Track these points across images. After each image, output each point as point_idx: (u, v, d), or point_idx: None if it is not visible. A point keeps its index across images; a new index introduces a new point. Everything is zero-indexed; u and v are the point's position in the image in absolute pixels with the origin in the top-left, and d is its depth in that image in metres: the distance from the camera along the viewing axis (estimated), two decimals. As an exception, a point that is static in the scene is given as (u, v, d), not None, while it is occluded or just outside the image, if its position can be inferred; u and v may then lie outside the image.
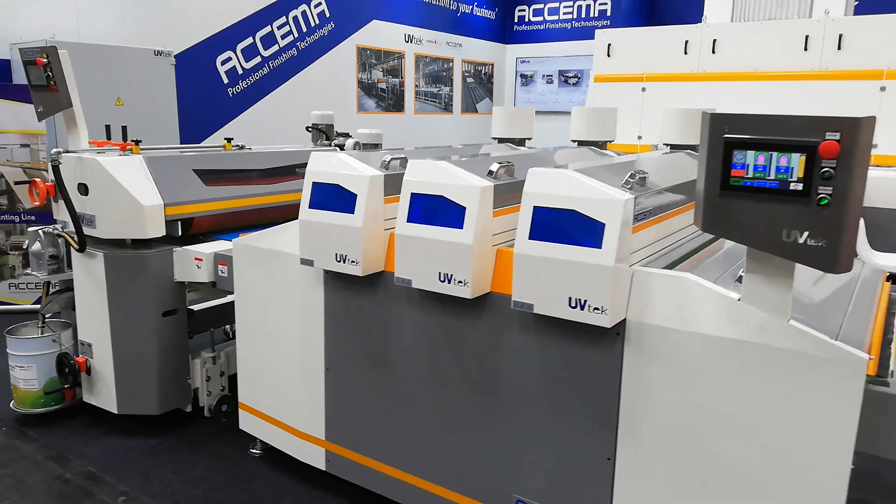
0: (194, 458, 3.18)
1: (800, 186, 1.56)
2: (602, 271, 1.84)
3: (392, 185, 2.44)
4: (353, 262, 2.40)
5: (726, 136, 1.63)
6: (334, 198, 2.41)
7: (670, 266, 2.07)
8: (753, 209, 1.64)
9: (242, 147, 3.91)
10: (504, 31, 12.86)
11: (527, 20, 12.76)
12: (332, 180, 2.43)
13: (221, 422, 3.50)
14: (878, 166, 6.97)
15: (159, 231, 3.13)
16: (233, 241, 2.97)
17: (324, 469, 2.84)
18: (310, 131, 4.58)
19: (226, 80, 7.56)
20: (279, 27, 8.13)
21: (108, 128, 3.62)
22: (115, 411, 3.31)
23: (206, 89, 7.32)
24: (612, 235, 1.84)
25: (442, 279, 2.17)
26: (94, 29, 6.22)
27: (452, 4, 11.33)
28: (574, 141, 3.49)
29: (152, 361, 3.23)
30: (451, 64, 11.54)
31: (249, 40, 7.78)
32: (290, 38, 8.32)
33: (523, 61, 12.81)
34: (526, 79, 12.82)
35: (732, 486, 1.84)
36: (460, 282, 2.14)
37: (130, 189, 3.04)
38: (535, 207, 1.97)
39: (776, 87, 7.69)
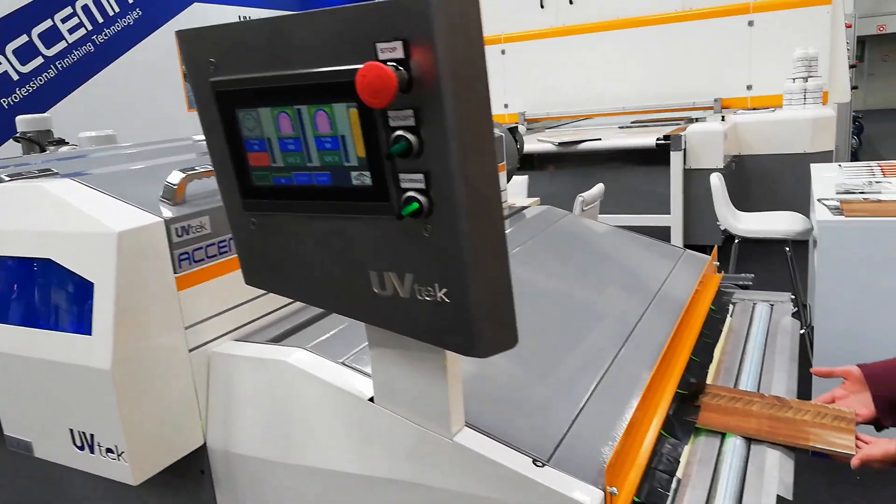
0: None
1: (367, 178, 0.68)
2: (97, 378, 0.92)
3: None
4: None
5: (214, 79, 0.73)
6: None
7: (303, 327, 1.16)
8: (305, 233, 0.75)
9: None
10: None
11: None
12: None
13: None
14: (754, 109, 6.32)
15: None
16: None
17: None
18: (18, 142, 3.47)
19: (-5, 89, 6.28)
20: (64, 20, 6.84)
21: None
22: None
23: (-32, 102, 6.03)
24: (107, 305, 0.91)
25: None
26: None
27: (296, -20, 10.18)
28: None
29: None
30: (303, 46, 10.43)
31: (24, 38, 6.48)
32: (82, 31, 7.03)
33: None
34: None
35: None
36: None
37: None
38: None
39: (640, 33, 7.04)
